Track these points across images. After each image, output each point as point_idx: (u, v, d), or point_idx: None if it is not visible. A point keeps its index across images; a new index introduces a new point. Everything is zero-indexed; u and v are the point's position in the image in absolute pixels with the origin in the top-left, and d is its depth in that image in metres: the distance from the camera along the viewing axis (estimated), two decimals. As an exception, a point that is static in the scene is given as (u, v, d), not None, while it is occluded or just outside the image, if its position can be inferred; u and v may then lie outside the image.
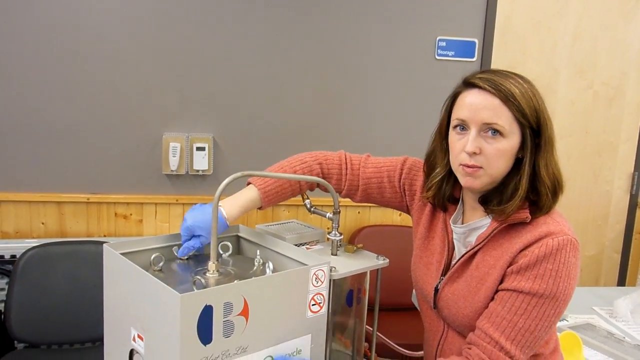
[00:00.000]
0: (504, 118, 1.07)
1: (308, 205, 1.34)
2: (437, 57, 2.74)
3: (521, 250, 1.10)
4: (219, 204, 1.17)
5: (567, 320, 2.06)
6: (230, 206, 1.23)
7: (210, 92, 2.55)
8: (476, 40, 2.76)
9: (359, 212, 2.79)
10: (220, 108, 2.57)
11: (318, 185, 1.33)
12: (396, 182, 1.34)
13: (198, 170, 2.54)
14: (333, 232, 1.27)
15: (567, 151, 3.00)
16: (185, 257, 1.23)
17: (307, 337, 1.13)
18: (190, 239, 1.20)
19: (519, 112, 1.07)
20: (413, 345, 1.52)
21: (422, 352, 1.43)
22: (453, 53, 2.76)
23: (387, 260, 1.27)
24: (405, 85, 2.72)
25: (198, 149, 2.53)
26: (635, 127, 3.05)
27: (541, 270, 1.07)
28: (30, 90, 2.39)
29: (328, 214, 1.28)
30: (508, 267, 1.11)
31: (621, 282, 3.16)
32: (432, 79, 2.72)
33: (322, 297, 1.14)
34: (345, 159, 1.37)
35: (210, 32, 2.50)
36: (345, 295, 1.24)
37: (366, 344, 1.36)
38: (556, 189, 1.12)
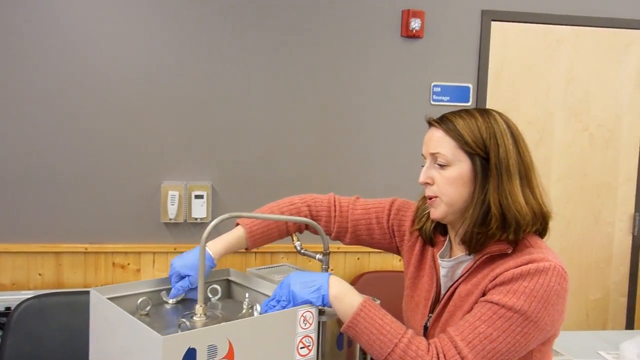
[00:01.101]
0: (447, 147, 1.14)
1: (298, 247, 1.33)
2: (433, 102, 2.78)
3: (502, 273, 1.08)
4: (207, 245, 1.18)
5: (572, 365, 2.00)
6: (215, 244, 1.26)
7: (209, 140, 2.58)
8: (470, 85, 2.80)
9: (358, 258, 2.77)
10: (219, 156, 2.60)
11: (307, 227, 1.33)
12: (385, 224, 1.35)
13: (196, 218, 2.55)
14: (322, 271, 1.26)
15: (566, 193, 3.00)
16: (175, 301, 1.22)
17: (296, 382, 1.10)
18: (179, 281, 1.20)
19: (460, 140, 1.12)
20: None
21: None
22: (448, 98, 2.81)
23: (379, 301, 1.25)
24: (401, 130, 2.75)
25: (197, 196, 2.55)
26: (633, 168, 3.05)
27: (515, 286, 1.05)
28: (29, 141, 2.44)
29: (318, 256, 1.27)
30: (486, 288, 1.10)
31: (629, 325, 3.08)
32: (427, 125, 2.74)
33: (310, 339, 1.12)
34: (334, 201, 1.39)
35: (208, 81, 2.56)
36: (335, 338, 1.22)
37: (361, 391, 1.33)
38: (514, 220, 1.09)
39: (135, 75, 2.50)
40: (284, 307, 1.11)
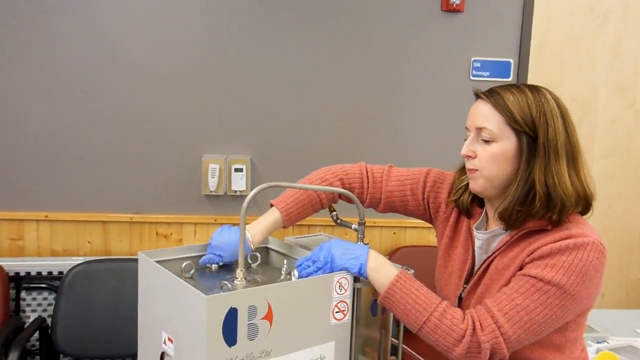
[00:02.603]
0: (494, 122, 1.12)
1: (334, 217, 1.37)
2: (472, 78, 2.75)
3: (539, 248, 1.10)
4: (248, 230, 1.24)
5: (607, 342, 2.00)
6: (255, 232, 1.29)
7: (248, 116, 2.63)
8: (511, 61, 2.76)
9: (394, 233, 2.80)
10: (258, 130, 2.65)
11: (340, 197, 1.36)
12: (420, 196, 1.37)
13: (236, 191, 2.62)
14: (359, 242, 1.29)
15: (609, 171, 2.94)
16: (217, 267, 1.28)
17: (331, 344, 1.15)
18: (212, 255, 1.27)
19: (509, 116, 1.11)
20: (442, 360, 1.51)
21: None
22: (488, 73, 2.77)
23: (413, 271, 1.28)
24: (440, 106, 2.73)
25: (236, 170, 2.61)
26: (681, 146, 2.96)
27: (554, 261, 1.07)
28: (79, 117, 2.54)
29: (354, 225, 1.31)
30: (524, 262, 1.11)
31: (671, 306, 3.03)
32: (467, 100, 2.71)
33: (345, 305, 1.16)
34: (367, 172, 1.40)
35: (247, 56, 2.60)
36: (369, 305, 1.26)
37: (394, 358, 1.37)
38: (559, 201, 1.09)
39: (177, 52, 2.55)
40: (319, 269, 1.15)
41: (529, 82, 2.78)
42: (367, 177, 1.39)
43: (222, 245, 1.26)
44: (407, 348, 1.45)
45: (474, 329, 1.06)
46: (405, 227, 2.79)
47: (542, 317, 1.06)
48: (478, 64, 2.75)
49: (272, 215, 1.32)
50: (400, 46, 2.68)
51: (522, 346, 1.08)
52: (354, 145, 2.71)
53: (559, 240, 1.08)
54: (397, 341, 1.36)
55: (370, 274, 1.15)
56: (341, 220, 1.37)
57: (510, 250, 1.16)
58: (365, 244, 1.28)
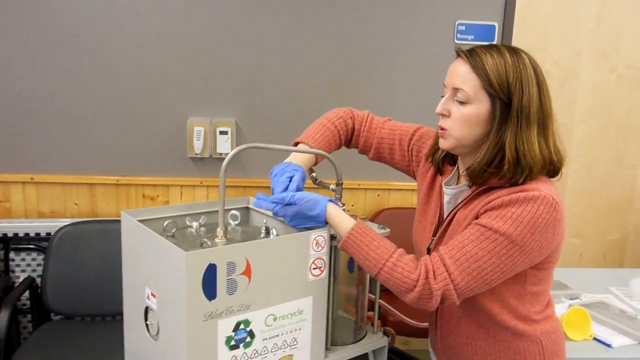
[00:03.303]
0: (470, 84, 1.14)
1: (313, 178, 1.40)
2: (457, 41, 2.76)
3: (493, 200, 1.14)
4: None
5: (580, 299, 2.08)
6: (296, 160, 1.32)
7: (232, 77, 2.63)
8: (496, 24, 2.76)
9: (378, 195, 2.85)
10: (242, 93, 2.65)
11: (351, 140, 1.48)
12: (405, 147, 1.42)
13: (221, 154, 2.64)
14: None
15: (590, 135, 2.99)
16: (198, 225, 1.31)
17: (309, 299, 1.20)
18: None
19: (485, 80, 1.12)
20: (418, 316, 1.57)
21: (427, 323, 1.48)
22: (472, 37, 2.77)
23: (388, 230, 1.32)
24: (424, 70, 2.75)
25: (221, 132, 2.63)
26: (661, 110, 3.01)
27: (504, 212, 1.11)
28: (64, 79, 2.53)
29: (331, 186, 1.34)
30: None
31: (645, 266, 3.13)
32: (451, 63, 2.74)
33: (322, 261, 1.21)
34: (367, 118, 1.48)
35: (232, 18, 2.58)
36: (347, 262, 1.31)
37: (371, 313, 1.43)
38: (527, 167, 1.13)
39: (162, 13, 2.53)
40: (275, 204, 1.19)
41: (513, 45, 2.79)
42: (366, 122, 1.47)
43: (289, 167, 1.28)
44: (384, 303, 1.51)
45: (427, 277, 1.11)
46: (390, 189, 2.84)
47: (489, 265, 1.10)
48: (463, 27, 2.75)
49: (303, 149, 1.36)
50: (386, 8, 2.68)
51: (474, 293, 1.13)
52: (337, 106, 2.72)
53: (511, 193, 1.12)
54: (374, 297, 1.41)
55: (330, 219, 1.19)
56: (320, 180, 1.40)
57: (471, 202, 1.21)
58: (342, 204, 1.33)
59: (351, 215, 1.21)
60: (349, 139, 1.47)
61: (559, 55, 2.88)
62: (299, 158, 1.33)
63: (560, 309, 1.95)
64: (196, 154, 2.62)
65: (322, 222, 1.20)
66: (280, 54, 2.65)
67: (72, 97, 2.55)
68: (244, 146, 1.20)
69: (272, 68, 2.65)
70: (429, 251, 1.30)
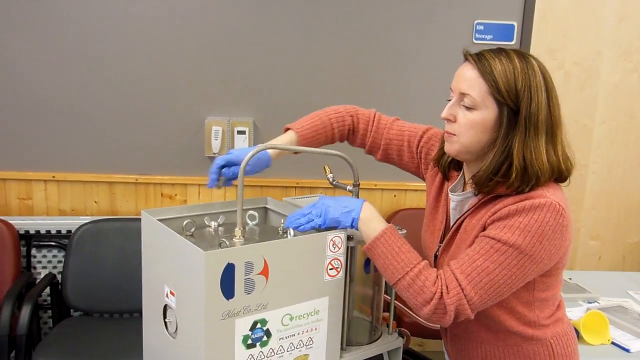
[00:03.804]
0: (478, 90, 1.12)
1: (330, 179, 1.41)
2: (475, 41, 2.74)
3: (500, 209, 1.13)
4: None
5: (598, 302, 2.06)
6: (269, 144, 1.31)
7: (250, 78, 2.65)
8: (515, 23, 2.74)
9: (395, 195, 2.85)
10: (260, 92, 2.67)
11: (348, 136, 1.45)
12: (414, 148, 1.40)
13: (239, 153, 2.65)
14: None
15: (610, 135, 2.95)
16: (217, 225, 1.32)
17: (325, 299, 1.21)
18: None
19: (493, 86, 1.10)
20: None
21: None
22: (491, 37, 2.76)
23: (405, 231, 1.32)
24: (441, 69, 2.73)
25: (239, 132, 2.65)
26: (683, 111, 2.96)
27: (511, 222, 1.10)
28: (86, 79, 2.57)
29: (348, 187, 1.35)
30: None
31: (667, 269, 3.08)
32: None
33: (339, 262, 1.21)
34: (374, 117, 1.46)
35: (249, 18, 2.60)
36: (363, 263, 1.31)
37: (387, 313, 1.43)
38: (535, 176, 1.11)
39: (181, 13, 2.56)
40: (311, 220, 1.19)
41: (533, 45, 2.77)
42: (374, 121, 1.45)
43: (233, 158, 1.29)
44: (399, 304, 1.51)
45: (442, 292, 1.10)
46: (406, 189, 2.84)
47: (501, 278, 1.09)
48: (481, 27, 2.74)
49: (288, 136, 1.37)
50: (405, 7, 2.67)
51: (487, 306, 1.13)
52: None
53: (517, 202, 1.11)
54: (389, 298, 1.42)
55: (360, 225, 1.19)
56: (337, 181, 1.41)
57: (478, 211, 1.19)
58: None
59: None
60: (345, 136, 1.45)
61: (579, 55, 2.85)
62: (276, 142, 1.34)
63: (578, 312, 1.94)
64: (214, 153, 2.64)
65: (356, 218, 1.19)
66: (297, 53, 2.66)
67: (94, 98, 2.59)
68: (261, 146, 1.21)
69: (290, 68, 2.66)
70: (435, 257, 1.30)
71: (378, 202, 2.84)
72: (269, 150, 1.31)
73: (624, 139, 2.97)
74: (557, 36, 2.83)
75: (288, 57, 2.65)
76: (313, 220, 1.19)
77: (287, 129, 1.39)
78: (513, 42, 2.75)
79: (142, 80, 2.60)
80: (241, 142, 2.65)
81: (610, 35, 2.86)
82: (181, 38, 2.58)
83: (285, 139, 1.37)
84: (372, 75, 2.72)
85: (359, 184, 1.33)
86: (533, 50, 2.77)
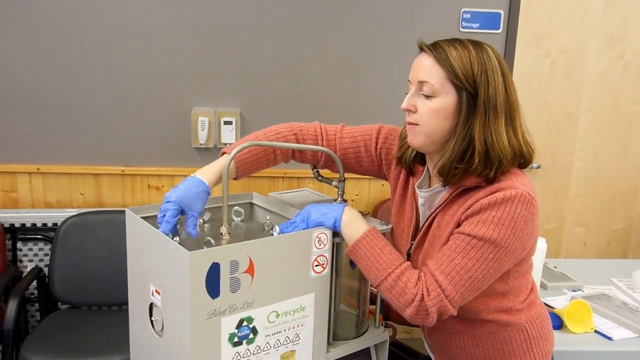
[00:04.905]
0: (436, 77, 1.13)
1: (316, 174, 1.41)
2: (462, 30, 2.74)
3: (472, 205, 1.14)
4: (197, 174, 1.22)
5: (582, 291, 2.09)
6: (206, 173, 1.22)
7: (237, 68, 2.63)
8: (502, 12, 2.74)
9: (382, 185, 2.85)
10: (247, 83, 2.65)
11: (293, 155, 1.36)
12: (373, 152, 1.38)
13: (226, 144, 2.64)
14: (339, 199, 1.34)
15: (595, 123, 2.97)
16: (202, 222, 1.32)
17: (311, 296, 1.21)
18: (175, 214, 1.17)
19: (450, 71, 1.12)
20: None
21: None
22: (478, 25, 2.75)
23: (390, 226, 1.33)
24: (428, 59, 2.73)
25: (226, 122, 2.63)
26: (668, 99, 2.98)
27: (484, 217, 1.11)
28: (70, 70, 2.53)
29: (334, 182, 1.35)
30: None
31: (649, 255, 3.13)
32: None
33: (324, 258, 1.22)
34: (321, 130, 1.38)
35: (236, 8, 2.57)
36: (349, 258, 1.31)
37: (373, 306, 1.44)
38: (497, 159, 1.12)
39: (165, 4, 2.53)
40: (296, 227, 1.21)
41: (519, 33, 2.78)
42: (322, 135, 1.37)
43: (182, 196, 1.17)
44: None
45: (422, 295, 1.11)
46: (393, 179, 2.84)
47: (480, 273, 1.11)
48: (468, 15, 2.73)
49: (223, 161, 1.24)
50: (390, -3, 2.66)
51: (467, 301, 1.15)
52: (343, 96, 2.72)
53: (489, 195, 1.12)
54: (376, 290, 1.43)
55: (343, 227, 1.20)
56: (322, 176, 1.41)
57: (449, 207, 1.20)
58: (344, 200, 1.33)
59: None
60: (290, 156, 1.36)
61: (565, 43, 2.86)
62: (212, 170, 1.22)
63: (562, 301, 1.97)
64: (201, 144, 2.63)
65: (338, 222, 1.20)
66: (284, 44, 2.64)
67: (78, 88, 2.56)
68: (247, 144, 1.21)
69: (277, 58, 2.65)
70: (408, 255, 1.31)
71: (365, 192, 2.85)
72: (205, 179, 1.20)
73: (609, 126, 2.99)
74: (543, 24, 2.83)
75: (275, 46, 2.63)
76: (298, 226, 1.22)
77: (224, 153, 1.28)
78: (500, 31, 2.75)
79: (127, 70, 2.57)
80: (228, 133, 2.63)
81: (595, 24, 2.86)
82: (166, 28, 2.55)
83: (221, 166, 1.23)
84: (360, 65, 2.71)
85: (344, 179, 1.33)
86: (520, 39, 2.78)
